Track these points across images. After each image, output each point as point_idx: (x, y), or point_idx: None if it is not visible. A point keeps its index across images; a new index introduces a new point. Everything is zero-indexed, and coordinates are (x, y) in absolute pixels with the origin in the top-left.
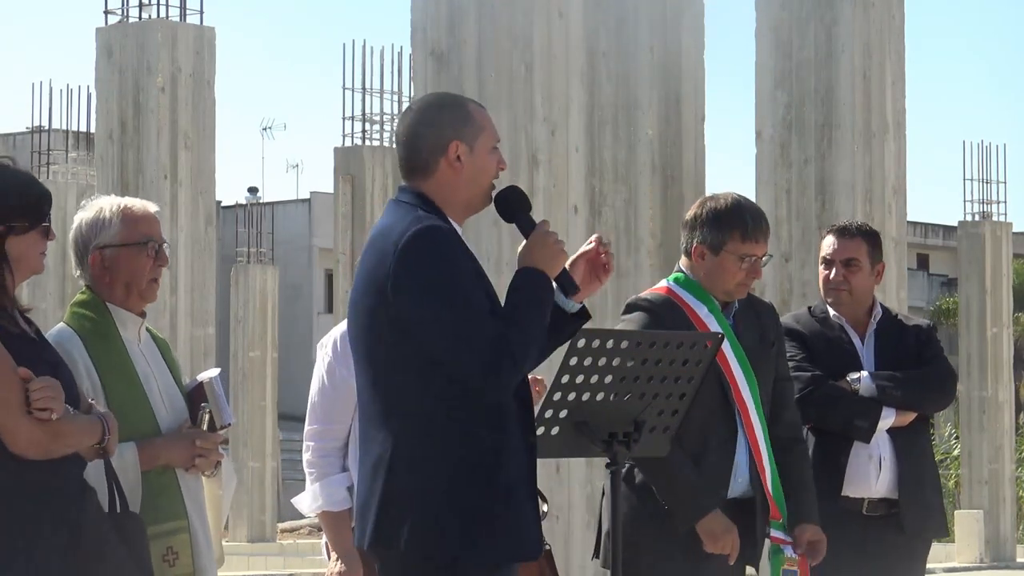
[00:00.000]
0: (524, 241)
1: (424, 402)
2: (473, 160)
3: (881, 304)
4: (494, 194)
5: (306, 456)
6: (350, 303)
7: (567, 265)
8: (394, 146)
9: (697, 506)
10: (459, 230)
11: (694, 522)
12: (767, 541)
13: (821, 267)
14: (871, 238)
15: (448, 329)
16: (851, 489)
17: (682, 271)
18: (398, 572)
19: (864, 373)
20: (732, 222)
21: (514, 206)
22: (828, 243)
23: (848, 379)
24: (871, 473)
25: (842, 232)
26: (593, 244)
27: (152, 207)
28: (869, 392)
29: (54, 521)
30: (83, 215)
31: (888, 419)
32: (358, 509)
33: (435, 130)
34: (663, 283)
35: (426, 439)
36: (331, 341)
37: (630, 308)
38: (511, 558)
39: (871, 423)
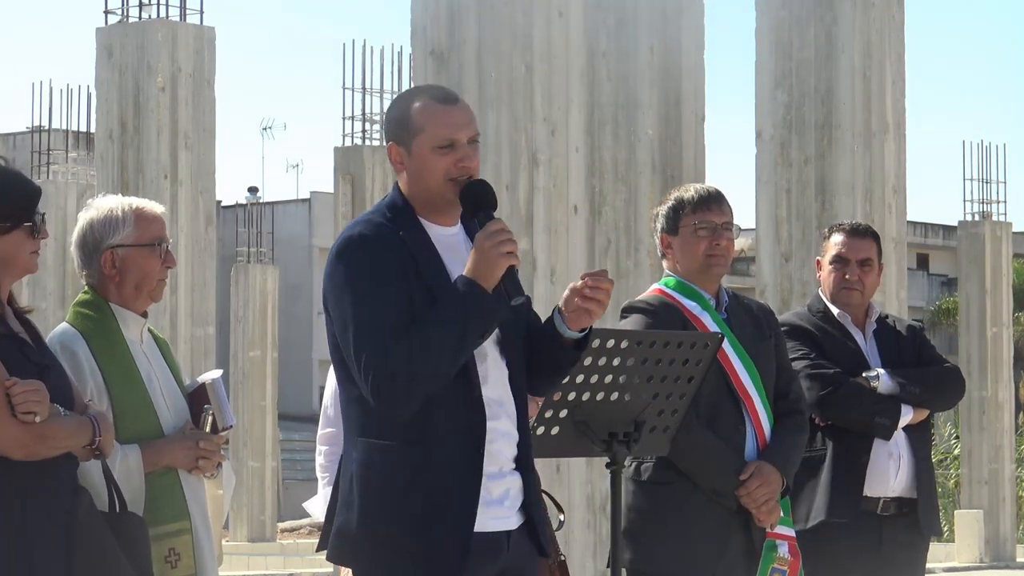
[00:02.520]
0: None
1: (354, 407)
2: (412, 161)
3: (875, 305)
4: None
5: (319, 460)
6: None
7: (566, 293)
8: None
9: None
10: (437, 229)
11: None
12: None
13: (830, 265)
14: (878, 239)
15: (345, 343)
16: (870, 488)
17: (668, 275)
18: None
19: (881, 371)
20: (680, 200)
21: (472, 202)
22: (839, 242)
23: (865, 377)
24: (891, 471)
25: (855, 232)
26: (583, 281)
27: (159, 208)
28: (888, 390)
29: (45, 521)
30: (92, 215)
31: (907, 417)
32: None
33: (384, 133)
34: (654, 286)
35: (355, 453)
36: None
37: (627, 311)
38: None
39: (892, 421)
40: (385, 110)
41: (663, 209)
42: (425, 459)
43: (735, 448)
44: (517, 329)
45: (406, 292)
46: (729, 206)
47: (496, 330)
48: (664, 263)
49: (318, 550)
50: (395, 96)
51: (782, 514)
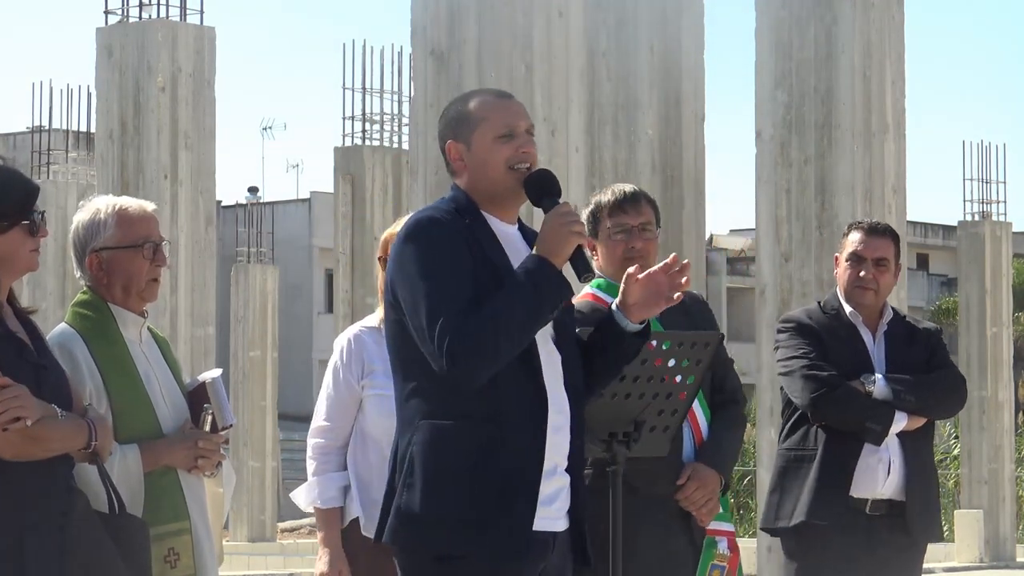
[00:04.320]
0: None
1: (414, 396)
2: (473, 155)
3: (890, 305)
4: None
5: (309, 451)
6: None
7: (639, 277)
8: (394, 146)
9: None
10: (500, 224)
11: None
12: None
13: (846, 263)
14: (896, 238)
15: (418, 319)
16: (856, 489)
17: (599, 277)
18: (400, 568)
19: (878, 376)
20: (598, 203)
21: (539, 189)
22: (856, 240)
23: (861, 381)
24: (879, 474)
25: (872, 231)
26: (667, 262)
27: (149, 206)
28: (883, 395)
29: (39, 521)
30: (80, 217)
31: (900, 423)
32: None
33: (438, 137)
34: (586, 290)
35: (417, 435)
36: (340, 345)
37: None
38: (500, 555)
39: (884, 427)
40: (386, 110)
41: (585, 213)
42: (492, 438)
43: (673, 449)
44: (569, 324)
45: (474, 273)
46: (649, 205)
47: (549, 324)
48: (594, 265)
49: (376, 541)
50: (449, 102)
51: (720, 510)
